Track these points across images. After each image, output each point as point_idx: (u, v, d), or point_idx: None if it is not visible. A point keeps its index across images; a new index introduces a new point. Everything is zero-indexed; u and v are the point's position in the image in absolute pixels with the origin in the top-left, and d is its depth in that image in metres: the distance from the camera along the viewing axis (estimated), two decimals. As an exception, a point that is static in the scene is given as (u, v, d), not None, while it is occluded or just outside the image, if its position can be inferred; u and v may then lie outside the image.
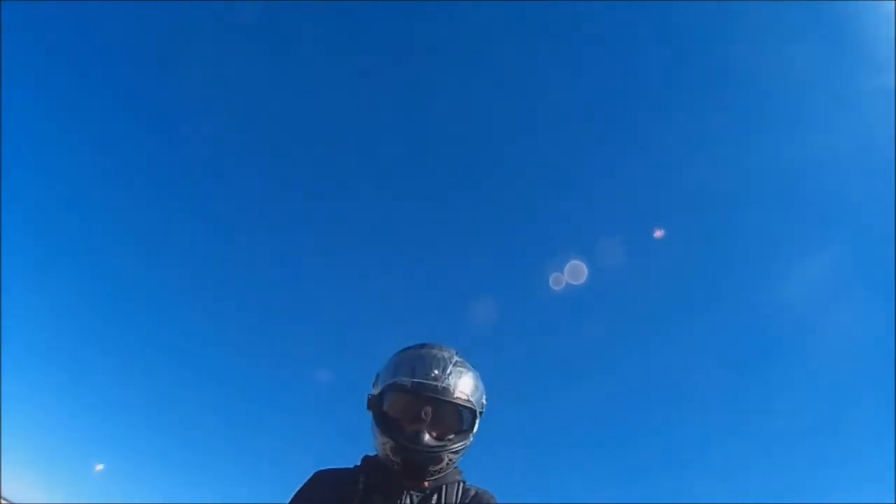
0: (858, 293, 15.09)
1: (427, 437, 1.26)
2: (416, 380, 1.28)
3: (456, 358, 1.34)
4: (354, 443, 1.40)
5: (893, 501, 10.08)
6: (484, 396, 1.38)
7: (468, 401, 1.31)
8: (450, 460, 1.30)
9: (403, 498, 1.28)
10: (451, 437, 1.30)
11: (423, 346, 1.37)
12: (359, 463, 1.38)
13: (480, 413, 1.35)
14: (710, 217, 16.82)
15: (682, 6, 14.33)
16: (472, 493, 1.35)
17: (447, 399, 1.28)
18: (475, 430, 1.34)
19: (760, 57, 14.79)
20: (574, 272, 12.93)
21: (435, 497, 1.30)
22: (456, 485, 1.34)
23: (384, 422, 1.30)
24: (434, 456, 1.27)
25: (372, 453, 1.37)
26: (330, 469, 1.39)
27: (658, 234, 14.53)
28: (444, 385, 1.28)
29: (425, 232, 19.42)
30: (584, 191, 18.46)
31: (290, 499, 1.35)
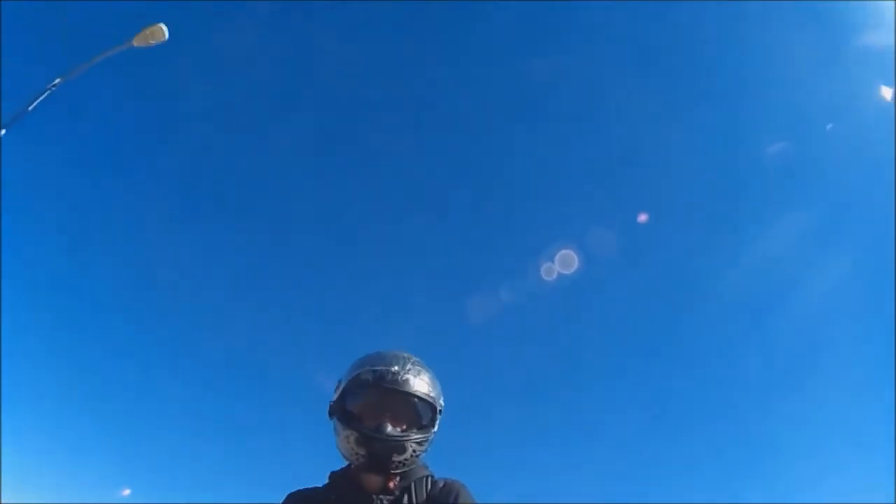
0: (859, 291, 15.07)
1: (389, 427, 1.30)
2: (377, 370, 1.33)
3: (414, 358, 1.40)
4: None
5: (893, 501, 10.08)
6: (442, 397, 1.41)
7: (428, 395, 1.36)
8: (413, 451, 1.32)
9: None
10: (414, 430, 1.34)
11: (380, 350, 1.43)
12: (327, 481, 1.40)
13: (440, 411, 1.39)
14: (711, 213, 16.80)
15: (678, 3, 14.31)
16: (441, 484, 1.37)
17: (407, 390, 1.33)
18: (436, 427, 1.38)
19: (759, 55, 14.79)
20: (565, 262, 13.05)
21: (405, 497, 1.32)
22: (423, 480, 1.36)
23: (347, 418, 1.33)
24: (397, 444, 1.29)
25: (337, 470, 1.40)
26: (302, 490, 1.42)
27: (642, 218, 14.63)
28: (403, 377, 1.33)
29: (416, 230, 19.43)
30: (571, 181, 18.46)
31: None
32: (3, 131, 6.72)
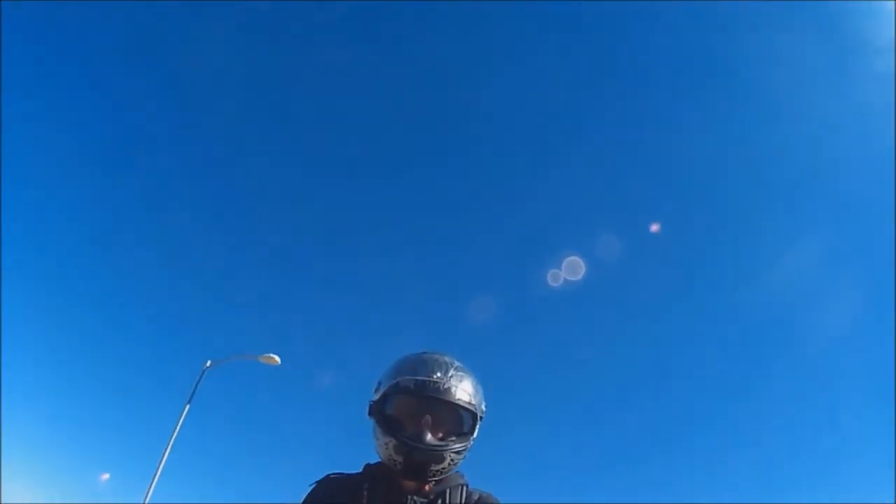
0: (859, 291, 15.07)
1: (429, 436, 1.28)
2: (418, 379, 1.32)
3: (457, 363, 1.39)
4: (358, 445, 1.43)
5: (893, 502, 10.10)
6: (483, 403, 1.40)
7: (469, 403, 1.35)
8: (451, 460, 1.32)
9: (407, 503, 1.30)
10: (453, 438, 1.33)
11: (424, 352, 1.41)
12: (363, 471, 1.39)
13: (481, 417, 1.38)
14: (711, 212, 16.80)
15: (683, 4, 14.30)
16: (476, 496, 1.36)
17: (448, 399, 1.32)
18: (476, 434, 1.37)
19: (762, 54, 14.76)
20: (572, 268, 13.07)
21: (439, 502, 1.31)
22: (459, 489, 1.35)
23: (387, 423, 1.33)
24: (436, 455, 1.29)
25: (374, 461, 1.39)
26: (338, 475, 1.41)
27: (654, 228, 14.75)
28: (445, 386, 1.32)
29: (425, 234, 19.49)
30: (580, 188, 18.48)
31: (301, 502, 1.37)
32: (188, 406, 10.58)
